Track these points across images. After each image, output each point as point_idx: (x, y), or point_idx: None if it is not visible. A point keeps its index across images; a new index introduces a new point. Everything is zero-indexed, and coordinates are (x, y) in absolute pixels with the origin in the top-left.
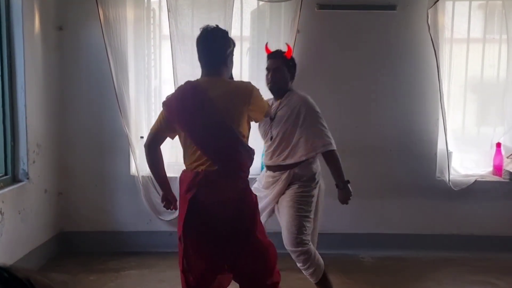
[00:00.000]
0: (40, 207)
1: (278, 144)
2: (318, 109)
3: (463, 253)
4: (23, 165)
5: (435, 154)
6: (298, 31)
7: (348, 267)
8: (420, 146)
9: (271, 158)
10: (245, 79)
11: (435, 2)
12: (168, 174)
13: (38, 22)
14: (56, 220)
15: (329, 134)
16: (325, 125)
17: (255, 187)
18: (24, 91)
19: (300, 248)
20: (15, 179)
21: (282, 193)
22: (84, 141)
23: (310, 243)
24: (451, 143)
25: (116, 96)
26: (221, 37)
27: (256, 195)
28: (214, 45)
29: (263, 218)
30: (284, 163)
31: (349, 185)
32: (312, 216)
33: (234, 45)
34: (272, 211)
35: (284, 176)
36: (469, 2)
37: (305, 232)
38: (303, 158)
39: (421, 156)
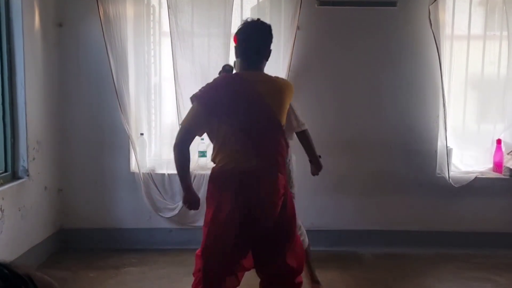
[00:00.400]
0: (40, 204)
1: None
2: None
3: (463, 250)
4: (23, 162)
5: (435, 150)
6: (298, 28)
7: (348, 264)
8: (420, 143)
9: None
10: None
11: None
12: (168, 171)
13: (38, 18)
14: (56, 217)
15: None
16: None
17: None
18: (24, 88)
19: None
20: (15, 176)
21: None
22: (84, 138)
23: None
24: (452, 140)
25: (116, 93)
26: (268, 32)
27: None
28: (262, 40)
29: None
30: None
31: (320, 159)
32: (294, 191)
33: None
34: None
35: None
36: None
37: None
38: None
39: (421, 152)
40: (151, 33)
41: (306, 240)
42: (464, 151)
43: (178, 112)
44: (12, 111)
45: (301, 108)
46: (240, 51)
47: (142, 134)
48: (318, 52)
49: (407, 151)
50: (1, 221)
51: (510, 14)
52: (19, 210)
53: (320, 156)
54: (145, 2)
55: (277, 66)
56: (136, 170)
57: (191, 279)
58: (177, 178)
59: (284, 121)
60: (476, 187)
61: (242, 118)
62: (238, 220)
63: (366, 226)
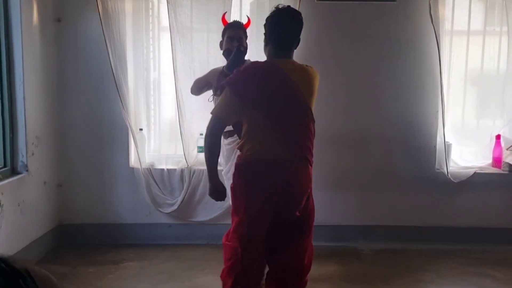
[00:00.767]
0: (39, 199)
1: None
2: None
3: (462, 245)
4: (22, 157)
5: (435, 146)
6: None
7: (346, 259)
8: (419, 138)
9: None
10: None
11: None
12: (167, 167)
13: (36, 14)
14: (56, 212)
15: None
16: None
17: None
18: (22, 83)
19: None
20: (14, 171)
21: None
22: (83, 133)
23: None
24: (451, 135)
25: (117, 87)
26: (299, 20)
27: None
28: (293, 27)
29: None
30: None
31: None
32: None
33: None
34: None
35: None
36: None
37: None
38: None
39: (421, 148)
40: (150, 28)
41: None
42: (463, 147)
43: (177, 107)
44: (11, 106)
45: None
46: (271, 38)
47: (141, 129)
48: (317, 47)
49: (406, 147)
50: (0, 216)
51: (510, 9)
52: (19, 205)
53: None
54: None
55: None
56: (135, 165)
57: (191, 274)
58: (176, 174)
59: (313, 109)
60: (475, 182)
61: (275, 107)
62: (272, 208)
63: (366, 222)
